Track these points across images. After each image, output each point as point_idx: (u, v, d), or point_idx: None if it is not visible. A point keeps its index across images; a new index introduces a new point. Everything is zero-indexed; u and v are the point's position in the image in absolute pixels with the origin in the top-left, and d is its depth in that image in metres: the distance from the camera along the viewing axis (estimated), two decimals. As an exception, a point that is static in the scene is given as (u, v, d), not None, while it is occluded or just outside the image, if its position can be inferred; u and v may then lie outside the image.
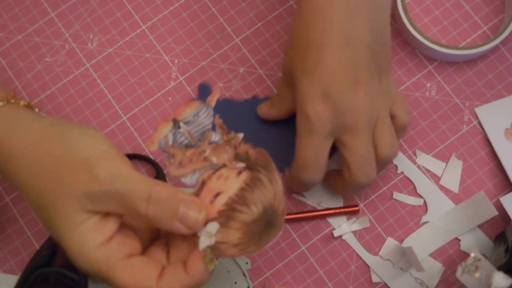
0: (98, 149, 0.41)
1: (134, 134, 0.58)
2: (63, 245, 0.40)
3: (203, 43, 0.59)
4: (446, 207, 0.55)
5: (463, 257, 0.54)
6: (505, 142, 0.55)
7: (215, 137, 0.44)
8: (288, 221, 0.55)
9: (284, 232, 0.55)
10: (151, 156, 0.57)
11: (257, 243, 0.41)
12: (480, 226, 0.54)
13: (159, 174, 0.56)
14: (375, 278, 0.54)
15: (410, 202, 0.55)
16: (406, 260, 0.54)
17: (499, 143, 0.55)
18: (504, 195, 0.54)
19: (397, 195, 0.55)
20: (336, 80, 0.46)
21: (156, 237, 0.45)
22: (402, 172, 0.56)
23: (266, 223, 0.41)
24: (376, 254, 0.54)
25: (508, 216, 0.53)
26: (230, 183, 0.42)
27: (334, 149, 0.50)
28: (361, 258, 0.54)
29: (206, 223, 0.41)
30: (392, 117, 0.49)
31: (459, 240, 0.54)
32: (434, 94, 0.57)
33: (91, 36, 0.60)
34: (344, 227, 0.55)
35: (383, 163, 0.49)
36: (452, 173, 0.55)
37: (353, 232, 0.55)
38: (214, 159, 0.43)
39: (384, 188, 0.55)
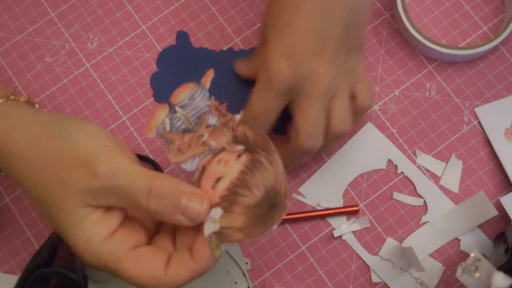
0: (97, 144, 0.41)
1: (134, 134, 0.58)
2: (68, 241, 0.40)
3: (203, 43, 0.59)
4: (446, 207, 0.55)
5: (463, 257, 0.54)
6: (505, 142, 0.55)
7: (212, 120, 0.43)
8: (288, 221, 0.55)
9: (284, 232, 0.55)
10: (151, 156, 0.57)
11: (261, 226, 0.41)
12: (480, 226, 0.54)
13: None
14: (375, 278, 0.54)
15: (410, 202, 0.55)
16: (406, 260, 0.54)
17: (499, 143, 0.55)
18: (504, 195, 0.54)
19: (397, 195, 0.55)
20: (304, 43, 0.46)
21: (161, 225, 0.45)
22: (402, 172, 0.56)
23: (269, 206, 0.41)
24: (376, 254, 0.54)
25: (508, 216, 0.53)
26: (231, 166, 0.41)
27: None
28: (361, 258, 0.54)
29: (210, 208, 0.41)
30: (354, 96, 0.50)
31: (459, 240, 0.54)
32: (434, 94, 0.57)
33: (91, 36, 0.60)
34: (344, 227, 0.55)
35: (332, 137, 0.49)
36: (452, 173, 0.55)
37: (353, 232, 0.55)
38: (212, 143, 0.43)
39: (384, 188, 0.55)
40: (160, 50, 0.59)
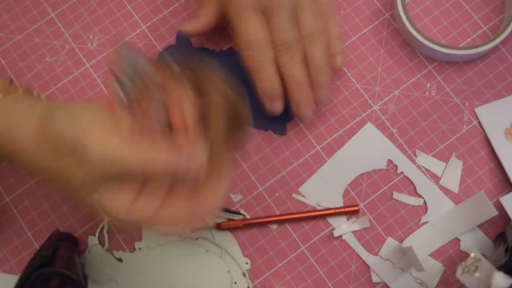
0: (85, 128, 0.40)
1: (134, 134, 0.58)
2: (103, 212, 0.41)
3: (203, 43, 0.59)
4: (446, 207, 0.55)
5: (463, 257, 0.54)
6: (505, 142, 0.55)
7: (150, 70, 0.42)
8: (288, 221, 0.55)
9: (284, 232, 0.55)
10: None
11: (239, 145, 0.44)
12: (480, 226, 0.54)
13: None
14: (375, 278, 0.54)
15: (410, 202, 0.55)
16: (406, 260, 0.54)
17: (499, 143, 0.55)
18: (504, 195, 0.54)
19: (397, 195, 0.55)
20: None
21: None
22: (402, 172, 0.56)
23: (236, 127, 0.43)
24: (376, 254, 0.54)
25: (508, 216, 0.53)
26: (186, 107, 0.41)
27: None
28: (361, 258, 0.54)
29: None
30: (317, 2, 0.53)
31: (459, 240, 0.54)
32: (434, 94, 0.57)
33: (91, 36, 0.60)
34: (344, 227, 0.55)
35: (307, 37, 0.52)
36: (452, 173, 0.55)
37: (353, 232, 0.55)
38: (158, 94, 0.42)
39: (384, 188, 0.55)
40: (160, 50, 0.59)
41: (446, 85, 0.57)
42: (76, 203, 0.42)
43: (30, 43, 0.60)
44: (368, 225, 0.55)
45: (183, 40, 0.59)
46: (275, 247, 0.55)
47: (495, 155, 0.55)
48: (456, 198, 0.55)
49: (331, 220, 0.55)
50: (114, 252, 0.55)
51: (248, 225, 0.55)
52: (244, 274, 0.54)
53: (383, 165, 0.56)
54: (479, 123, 0.56)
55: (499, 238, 0.53)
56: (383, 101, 0.57)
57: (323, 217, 0.55)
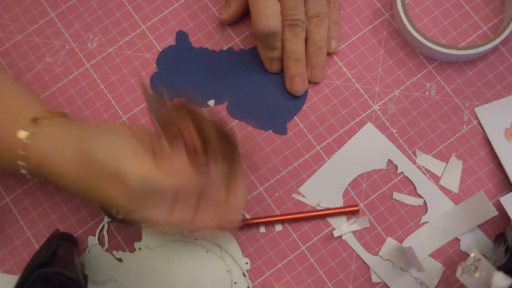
0: (123, 157, 0.45)
1: (134, 134, 0.58)
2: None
3: (203, 43, 0.59)
4: (446, 207, 0.55)
5: (463, 257, 0.54)
6: (505, 142, 0.55)
7: (168, 100, 0.48)
8: (288, 221, 0.55)
9: (284, 232, 0.55)
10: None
11: (236, 159, 0.49)
12: (480, 226, 0.54)
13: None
14: (375, 278, 0.54)
15: (410, 202, 0.55)
16: (406, 260, 0.54)
17: (499, 143, 0.55)
18: (504, 195, 0.54)
19: (397, 195, 0.55)
20: None
21: None
22: (402, 172, 0.56)
23: (228, 142, 0.48)
24: (376, 254, 0.54)
25: (508, 216, 0.53)
26: (192, 134, 0.48)
27: None
28: (361, 258, 0.54)
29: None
30: None
31: (459, 240, 0.54)
32: (434, 94, 0.57)
33: (91, 36, 0.60)
34: (344, 227, 0.55)
35: (312, 17, 0.55)
36: (452, 173, 0.55)
37: (353, 232, 0.55)
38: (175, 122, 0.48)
39: (384, 188, 0.55)
40: (160, 50, 0.59)
41: (446, 85, 0.57)
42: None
43: (30, 43, 0.60)
44: (368, 225, 0.55)
45: (183, 40, 0.59)
46: (275, 247, 0.55)
47: (495, 155, 0.55)
48: (456, 198, 0.55)
49: (331, 220, 0.55)
50: (114, 252, 0.55)
51: (248, 225, 0.55)
52: (244, 274, 0.54)
53: (383, 165, 0.56)
54: (479, 123, 0.56)
55: (499, 238, 0.53)
56: (383, 101, 0.57)
57: (323, 217, 0.55)
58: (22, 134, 0.48)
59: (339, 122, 0.57)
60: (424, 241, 0.54)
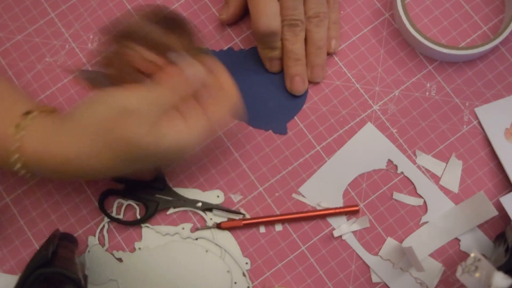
0: (118, 97, 0.46)
1: (134, 134, 0.58)
2: (169, 154, 0.47)
3: (203, 43, 0.59)
4: (446, 207, 0.55)
5: (463, 257, 0.54)
6: (505, 142, 0.55)
7: (104, 68, 0.50)
8: (288, 221, 0.55)
9: (284, 232, 0.55)
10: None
11: (183, 24, 0.50)
12: (480, 226, 0.54)
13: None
14: (375, 278, 0.54)
15: (410, 202, 0.55)
16: (406, 260, 0.54)
17: (499, 143, 0.55)
18: (504, 195, 0.54)
19: (397, 195, 0.55)
20: None
21: None
22: (402, 172, 0.56)
23: (167, 20, 0.49)
24: (376, 254, 0.54)
25: (508, 216, 0.53)
26: (133, 52, 0.49)
27: None
28: (361, 258, 0.54)
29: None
30: None
31: (459, 240, 0.54)
32: (434, 94, 0.57)
33: (91, 36, 0.60)
34: (344, 227, 0.55)
35: (311, 17, 0.55)
36: (452, 173, 0.55)
37: (353, 232, 0.55)
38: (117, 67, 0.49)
39: (384, 188, 0.55)
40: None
41: (446, 85, 0.57)
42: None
43: (30, 43, 0.60)
44: (368, 225, 0.55)
45: None
46: (275, 247, 0.55)
47: (495, 155, 0.55)
48: (456, 198, 0.55)
49: (331, 220, 0.55)
50: (114, 252, 0.55)
51: (248, 225, 0.55)
52: (244, 274, 0.54)
53: (383, 165, 0.56)
54: (479, 123, 0.56)
55: (499, 238, 0.53)
56: (383, 101, 0.57)
57: (323, 217, 0.55)
58: (14, 129, 0.47)
59: (339, 122, 0.57)
60: (424, 241, 0.54)
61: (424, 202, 0.55)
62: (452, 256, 0.54)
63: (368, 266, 0.54)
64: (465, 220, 0.54)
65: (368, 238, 0.55)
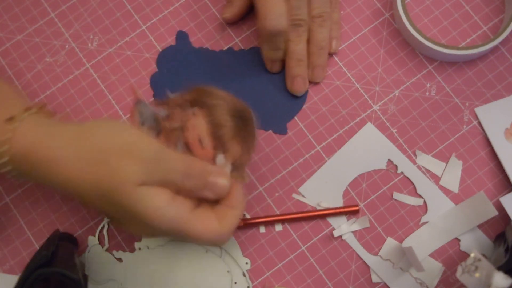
0: (136, 133, 0.45)
1: (134, 134, 0.58)
2: (138, 216, 0.44)
3: (203, 43, 0.59)
4: (446, 207, 0.55)
5: (463, 257, 0.54)
6: (505, 142, 0.55)
7: (162, 113, 0.48)
8: (288, 221, 0.55)
9: (284, 232, 0.55)
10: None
11: (250, 137, 0.49)
12: (480, 226, 0.54)
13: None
14: (375, 278, 0.54)
15: (410, 202, 0.55)
16: (406, 260, 0.54)
17: (499, 143, 0.55)
18: (504, 195, 0.54)
19: (397, 195, 0.55)
20: None
21: None
22: (402, 172, 0.56)
23: (243, 121, 0.48)
24: (376, 254, 0.54)
25: (508, 216, 0.53)
26: (198, 125, 0.47)
27: None
28: (361, 258, 0.54)
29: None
30: None
31: (459, 240, 0.54)
32: (434, 94, 0.57)
33: (91, 36, 0.60)
34: (344, 227, 0.55)
35: (315, 17, 0.55)
36: (452, 173, 0.55)
37: (353, 232, 0.55)
38: (175, 125, 0.48)
39: (384, 188, 0.55)
40: (160, 50, 0.59)
41: (446, 85, 0.57)
42: (106, 205, 0.45)
43: (30, 43, 0.60)
44: (368, 225, 0.55)
45: (183, 40, 0.59)
46: (275, 247, 0.55)
47: (495, 155, 0.55)
48: (456, 198, 0.55)
49: (331, 220, 0.55)
50: (114, 252, 0.55)
51: (248, 225, 0.55)
52: (244, 274, 0.54)
53: (383, 165, 0.56)
54: (479, 123, 0.56)
55: (499, 238, 0.53)
56: (383, 101, 0.57)
57: (323, 217, 0.55)
58: (8, 120, 0.46)
59: (339, 122, 0.57)
60: (424, 241, 0.54)
61: (424, 202, 0.55)
62: (452, 256, 0.54)
63: (368, 266, 0.54)
64: (465, 220, 0.54)
65: (368, 238, 0.55)
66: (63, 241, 0.53)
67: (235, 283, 0.54)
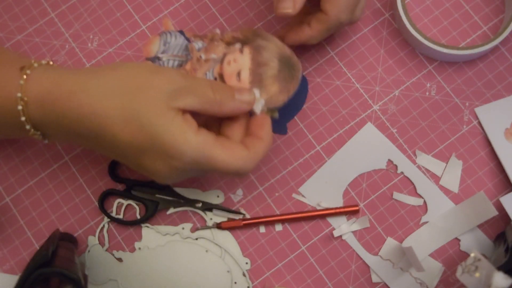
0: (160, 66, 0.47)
1: (134, 134, 0.58)
2: (166, 141, 0.44)
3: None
4: (446, 207, 0.55)
5: (463, 257, 0.54)
6: (505, 142, 0.55)
7: (198, 45, 0.49)
8: (288, 221, 0.55)
9: (284, 232, 0.55)
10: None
11: (291, 81, 0.50)
12: (480, 226, 0.54)
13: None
14: (375, 278, 0.54)
15: (410, 202, 0.55)
16: (406, 260, 0.54)
17: (499, 143, 0.55)
18: (504, 195, 0.54)
19: (397, 195, 0.55)
20: None
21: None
22: (402, 172, 0.56)
23: (288, 66, 0.49)
24: (376, 254, 0.54)
25: (508, 216, 0.53)
26: (240, 60, 0.49)
27: None
28: (361, 258, 0.54)
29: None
30: None
31: (459, 240, 0.54)
32: (434, 94, 0.57)
33: (91, 36, 0.60)
34: (344, 227, 0.55)
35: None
36: (452, 173, 0.55)
37: (353, 232, 0.55)
38: (213, 56, 0.49)
39: (384, 188, 0.55)
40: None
41: (446, 85, 0.57)
42: (137, 130, 0.45)
43: (30, 43, 0.60)
44: (368, 225, 0.55)
45: None
46: (275, 247, 0.55)
47: (495, 155, 0.55)
48: (456, 198, 0.55)
49: (331, 220, 0.55)
50: (114, 252, 0.55)
51: (248, 225, 0.55)
52: (244, 274, 0.54)
53: (383, 165, 0.56)
54: (479, 123, 0.56)
55: (499, 238, 0.53)
56: (383, 101, 0.57)
57: (323, 217, 0.55)
58: (19, 69, 0.46)
59: (339, 122, 0.57)
60: (424, 241, 0.54)
61: (424, 202, 0.55)
62: (452, 256, 0.54)
63: (368, 266, 0.54)
64: (465, 220, 0.54)
65: (368, 238, 0.55)
66: (63, 241, 0.53)
67: (235, 283, 0.54)
